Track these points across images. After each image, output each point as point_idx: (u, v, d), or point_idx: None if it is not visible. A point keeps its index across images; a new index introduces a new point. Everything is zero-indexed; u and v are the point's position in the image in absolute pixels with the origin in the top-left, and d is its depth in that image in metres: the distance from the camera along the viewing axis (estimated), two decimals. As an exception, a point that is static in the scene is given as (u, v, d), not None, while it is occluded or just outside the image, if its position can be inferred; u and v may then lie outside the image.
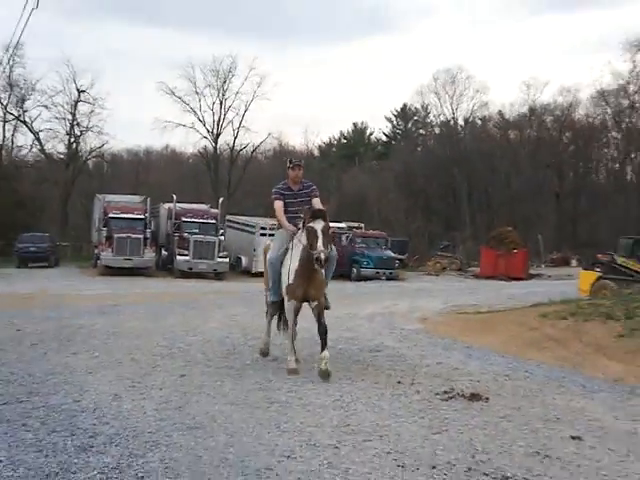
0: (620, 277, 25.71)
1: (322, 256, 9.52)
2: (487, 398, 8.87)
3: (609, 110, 75.78)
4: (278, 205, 10.88)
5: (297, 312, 10.82)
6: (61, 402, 8.47)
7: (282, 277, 10.55)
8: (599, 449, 7.03)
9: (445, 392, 9.15)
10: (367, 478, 5.97)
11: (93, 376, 10.01)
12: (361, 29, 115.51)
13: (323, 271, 10.30)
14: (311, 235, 9.74)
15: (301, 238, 10.24)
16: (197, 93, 67.98)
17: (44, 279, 32.27)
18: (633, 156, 74.89)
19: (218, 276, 36.11)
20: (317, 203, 10.59)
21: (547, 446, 7.00)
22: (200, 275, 35.35)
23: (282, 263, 10.55)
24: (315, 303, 10.41)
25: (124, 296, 23.34)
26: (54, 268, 40.41)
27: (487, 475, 6.09)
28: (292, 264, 10.25)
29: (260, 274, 36.64)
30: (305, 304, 10.74)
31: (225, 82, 68.00)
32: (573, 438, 7.33)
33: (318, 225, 9.78)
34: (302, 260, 10.11)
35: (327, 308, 10.86)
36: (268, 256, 11.07)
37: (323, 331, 10.11)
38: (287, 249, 10.55)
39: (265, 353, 11.59)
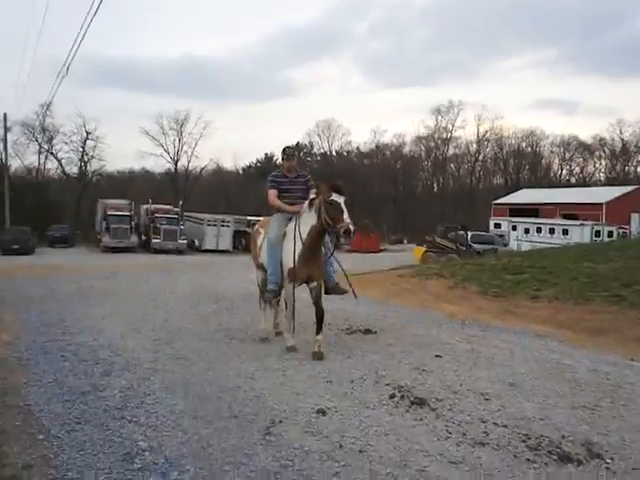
0: (438, 251, 26.00)
1: (351, 227, 6.50)
2: (376, 331, 8.46)
3: (423, 148, 77.74)
4: (272, 193, 7.56)
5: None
6: (86, 340, 7.79)
7: (283, 262, 7.22)
8: (454, 362, 6.74)
9: (347, 328, 8.71)
10: (308, 391, 5.48)
11: (105, 321, 9.23)
12: (276, 94, 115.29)
13: (324, 252, 7.28)
14: (334, 208, 6.59)
15: (306, 219, 7.04)
16: (164, 133, 66.51)
17: (66, 255, 30.80)
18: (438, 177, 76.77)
19: (180, 252, 35.00)
20: (312, 193, 7.40)
21: (422, 363, 6.64)
22: (167, 252, 34.24)
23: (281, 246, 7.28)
24: (314, 284, 7.20)
25: (119, 266, 22.13)
26: (72, 248, 38.76)
27: (388, 385, 5.70)
28: (294, 247, 6.99)
29: (206, 251, 37.00)
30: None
31: (182, 126, 66.52)
32: (437, 356, 6.99)
33: (340, 198, 6.64)
34: (310, 240, 6.94)
35: (346, 291, 7.73)
36: (268, 236, 7.47)
37: (321, 315, 7.13)
38: (285, 233, 7.28)
39: (265, 339, 8.00)
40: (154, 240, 35.27)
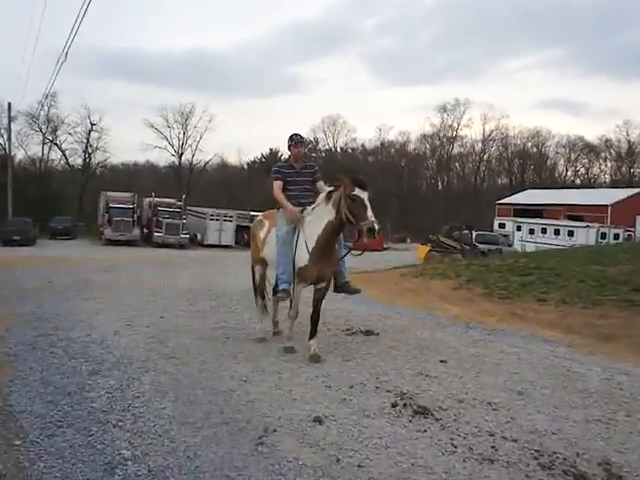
0: (442, 250, 25.68)
1: (375, 225, 5.91)
2: (377, 333, 8.14)
3: (428, 146, 77.44)
4: (277, 185, 6.89)
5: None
6: (78, 335, 7.47)
7: (294, 260, 6.62)
8: (459, 368, 6.40)
9: (348, 329, 8.38)
10: (305, 397, 5.16)
11: (100, 316, 8.92)
12: (282, 89, 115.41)
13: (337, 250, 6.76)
14: (358, 204, 6.02)
15: (321, 212, 6.48)
16: (168, 126, 66.25)
17: (67, 247, 30.58)
18: (443, 176, 76.44)
19: (182, 246, 34.76)
20: (322, 186, 6.91)
21: (426, 368, 6.32)
22: (169, 246, 34.00)
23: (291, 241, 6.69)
24: (322, 284, 6.70)
25: (120, 260, 21.94)
26: (73, 240, 38.53)
27: (390, 392, 5.38)
28: (307, 244, 6.45)
29: (208, 246, 36.73)
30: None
31: (187, 119, 66.37)
32: (441, 361, 6.67)
33: (364, 194, 6.07)
34: (325, 236, 6.38)
35: (358, 291, 7.24)
36: (278, 233, 6.80)
37: (316, 319, 6.70)
38: (296, 228, 6.69)
39: (262, 339, 7.55)
40: (156, 234, 34.99)
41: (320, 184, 7.01)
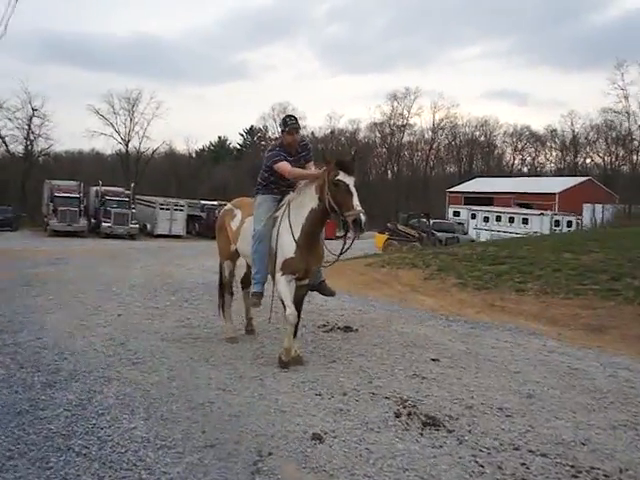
0: (400, 238, 25.35)
1: (362, 216, 5.12)
2: (356, 329, 7.56)
3: (378, 134, 77.25)
4: (286, 164, 5.82)
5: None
6: (26, 339, 6.58)
7: (277, 252, 5.79)
8: (455, 368, 5.91)
9: (324, 325, 7.75)
10: (295, 408, 4.55)
11: (50, 315, 8.01)
12: (229, 77, 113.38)
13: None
14: (342, 191, 5.21)
15: (304, 199, 5.71)
16: (114, 113, 63.74)
17: (9, 239, 28.85)
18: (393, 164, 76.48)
19: (131, 237, 33.55)
20: (312, 166, 6.03)
21: (419, 368, 5.78)
22: (118, 236, 32.74)
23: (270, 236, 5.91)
24: (305, 281, 5.92)
25: (67, 252, 20.63)
26: (15, 232, 36.56)
27: (388, 399, 4.82)
28: (290, 234, 5.64)
29: (159, 236, 35.53)
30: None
31: (134, 106, 63.82)
32: (433, 360, 6.15)
33: (350, 179, 5.25)
34: (309, 226, 5.61)
35: (333, 294, 6.48)
36: (255, 227, 5.96)
37: (298, 322, 5.88)
38: (275, 218, 5.92)
39: (233, 338, 6.80)
40: (104, 224, 33.63)
41: (309, 165, 6.09)
